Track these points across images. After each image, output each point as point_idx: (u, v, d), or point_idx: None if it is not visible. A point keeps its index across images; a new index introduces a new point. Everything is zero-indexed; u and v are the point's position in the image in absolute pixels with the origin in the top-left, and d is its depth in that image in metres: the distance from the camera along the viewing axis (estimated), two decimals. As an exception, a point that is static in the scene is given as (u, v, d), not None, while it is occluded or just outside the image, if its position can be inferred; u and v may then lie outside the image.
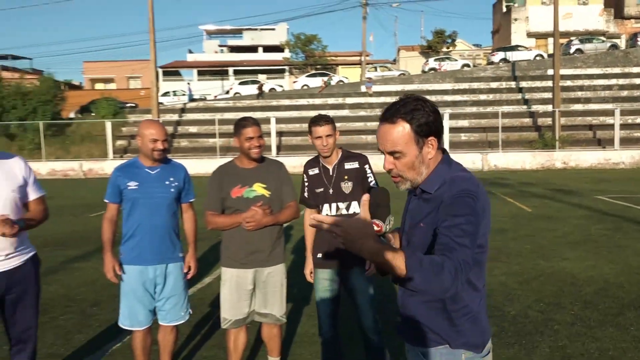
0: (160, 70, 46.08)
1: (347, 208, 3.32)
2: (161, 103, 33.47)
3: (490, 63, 38.37)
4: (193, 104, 34.94)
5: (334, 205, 3.31)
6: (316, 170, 3.37)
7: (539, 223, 9.67)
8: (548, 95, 29.93)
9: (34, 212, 3.08)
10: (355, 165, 3.35)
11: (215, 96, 40.08)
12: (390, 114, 1.73)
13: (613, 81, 32.56)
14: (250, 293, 3.42)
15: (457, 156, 24.01)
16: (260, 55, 55.26)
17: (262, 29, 56.36)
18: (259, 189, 3.33)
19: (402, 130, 1.70)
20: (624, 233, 8.49)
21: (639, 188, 14.93)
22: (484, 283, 1.81)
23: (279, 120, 28.47)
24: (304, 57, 49.23)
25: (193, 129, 31.59)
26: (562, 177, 19.31)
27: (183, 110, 33.50)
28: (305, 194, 3.43)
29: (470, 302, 1.75)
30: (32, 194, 3.08)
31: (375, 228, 1.79)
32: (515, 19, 45.13)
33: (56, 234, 9.37)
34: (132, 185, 3.29)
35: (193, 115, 32.93)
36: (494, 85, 33.55)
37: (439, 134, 1.75)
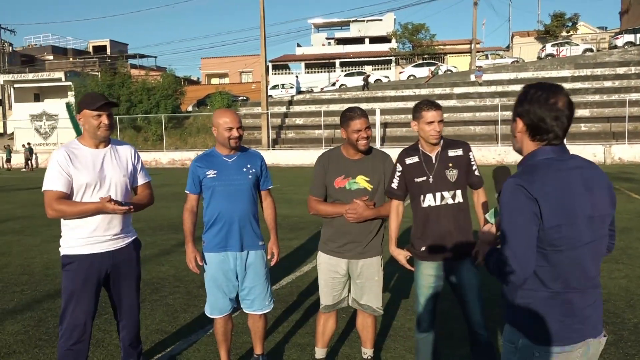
0: (270, 64, 47.66)
1: (453, 197, 3.11)
2: (270, 96, 34.63)
3: (613, 47, 34.96)
4: (300, 97, 35.77)
5: (437, 194, 3.10)
6: (415, 159, 3.17)
7: (671, 223, 8.66)
8: (687, 80, 26.74)
9: (141, 195, 3.31)
10: (460, 152, 3.16)
11: (322, 88, 40.63)
12: None
13: None
14: (343, 281, 3.41)
15: (575, 148, 22.37)
16: (366, 47, 55.01)
17: (368, 20, 56.08)
18: (361, 181, 3.28)
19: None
20: None
21: None
22: (562, 285, 1.82)
23: (384, 112, 28.24)
24: (411, 47, 48.24)
25: (300, 121, 32.37)
26: (702, 172, 17.17)
27: (290, 103, 34.43)
28: (394, 185, 3.20)
29: (533, 290, 1.85)
30: (140, 179, 3.32)
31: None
32: (649, -3, 40.74)
33: (171, 218, 10.02)
34: (211, 173, 3.33)
35: (300, 107, 33.72)
36: (620, 70, 30.57)
37: (532, 126, 1.84)
